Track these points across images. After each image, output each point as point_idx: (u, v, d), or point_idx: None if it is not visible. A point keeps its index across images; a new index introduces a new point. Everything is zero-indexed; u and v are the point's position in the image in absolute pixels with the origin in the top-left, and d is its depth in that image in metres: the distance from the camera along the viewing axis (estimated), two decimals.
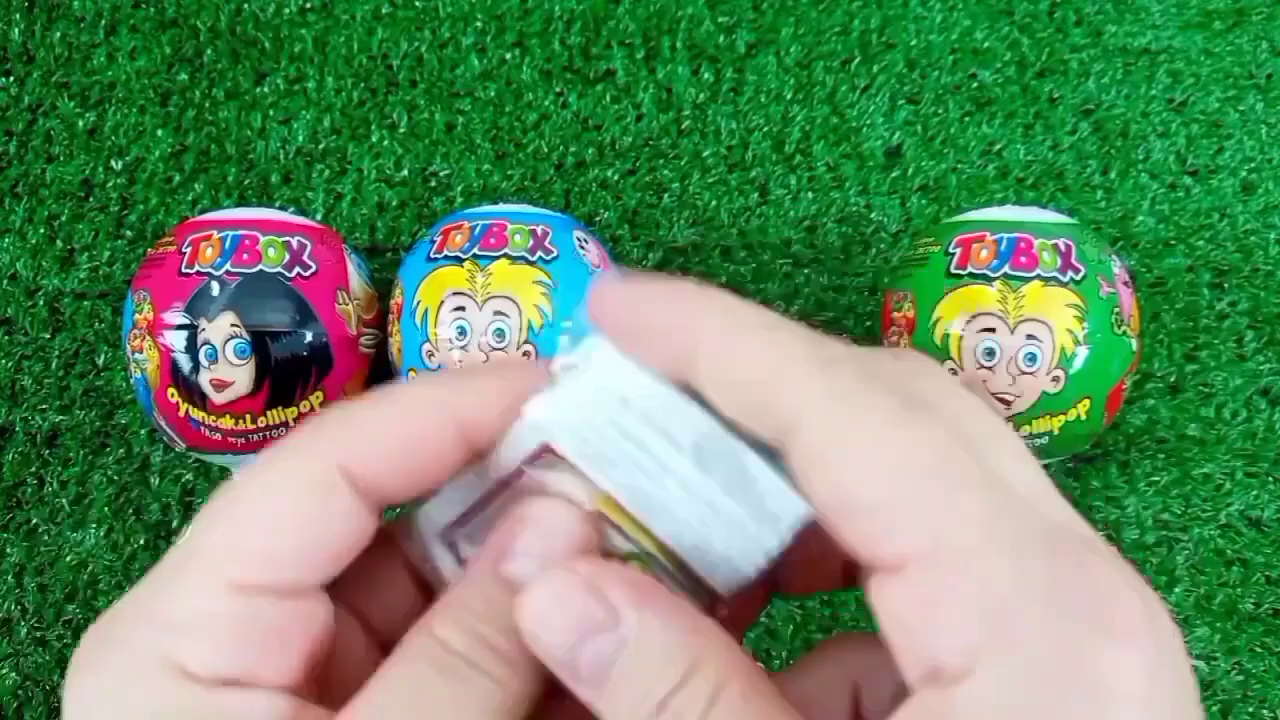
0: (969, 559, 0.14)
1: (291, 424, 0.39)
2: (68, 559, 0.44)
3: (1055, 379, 0.37)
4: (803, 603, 0.44)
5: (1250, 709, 0.43)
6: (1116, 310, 0.38)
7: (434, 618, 0.17)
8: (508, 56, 0.50)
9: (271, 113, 0.49)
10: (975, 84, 0.50)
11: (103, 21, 0.50)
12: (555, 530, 0.18)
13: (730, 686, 0.16)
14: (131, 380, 0.40)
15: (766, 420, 0.17)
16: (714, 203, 0.48)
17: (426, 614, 0.18)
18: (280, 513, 0.17)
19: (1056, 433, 0.38)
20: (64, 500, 0.44)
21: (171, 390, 0.38)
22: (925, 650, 0.15)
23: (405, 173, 0.48)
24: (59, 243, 0.47)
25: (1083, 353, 0.37)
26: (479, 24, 0.51)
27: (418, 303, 0.38)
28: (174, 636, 0.16)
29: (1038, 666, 0.14)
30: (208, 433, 0.38)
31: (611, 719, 0.17)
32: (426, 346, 0.38)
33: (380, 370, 0.42)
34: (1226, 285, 0.47)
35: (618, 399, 0.19)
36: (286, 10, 0.51)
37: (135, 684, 0.16)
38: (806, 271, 0.47)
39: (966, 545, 0.14)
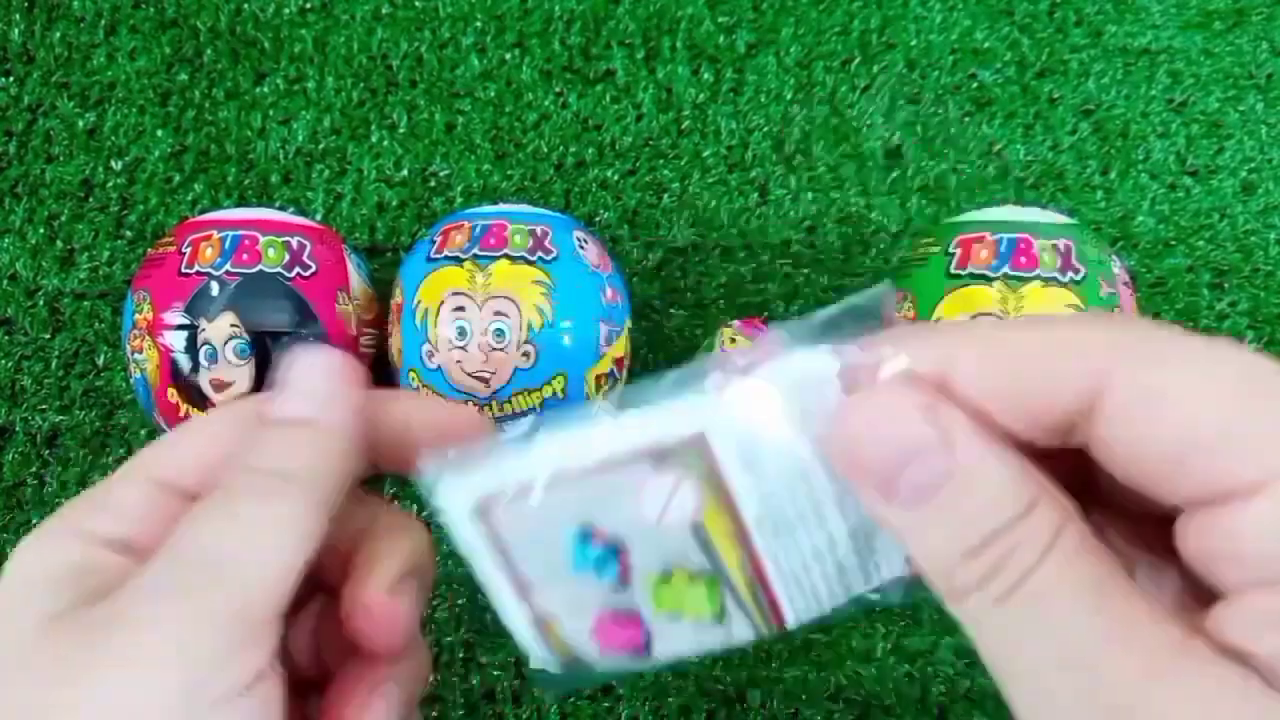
0: None
1: None
2: None
3: None
4: None
5: None
6: (1116, 310, 0.38)
7: (227, 474, 0.20)
8: (508, 56, 0.50)
9: (271, 113, 0.49)
10: (975, 84, 0.50)
11: (103, 21, 0.50)
12: (317, 366, 0.21)
13: (1069, 530, 0.15)
14: (131, 380, 0.40)
15: (1061, 394, 0.16)
16: (714, 203, 0.48)
17: None
18: (205, 435, 0.21)
19: None
20: (64, 500, 0.44)
21: (171, 390, 0.38)
22: None
23: (405, 173, 0.48)
24: (59, 243, 0.47)
25: None
26: (479, 24, 0.51)
27: (418, 303, 0.38)
28: (92, 511, 0.20)
29: None
30: None
31: (921, 543, 0.16)
32: (426, 346, 0.38)
33: (380, 370, 0.42)
34: (1226, 285, 0.47)
35: (781, 426, 0.18)
36: (286, 10, 0.51)
37: (49, 545, 0.19)
38: (806, 271, 0.47)
39: None
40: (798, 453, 0.17)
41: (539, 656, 0.20)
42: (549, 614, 0.19)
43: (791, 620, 0.19)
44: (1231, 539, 0.15)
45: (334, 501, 0.20)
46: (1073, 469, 0.17)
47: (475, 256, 0.38)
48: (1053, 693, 0.15)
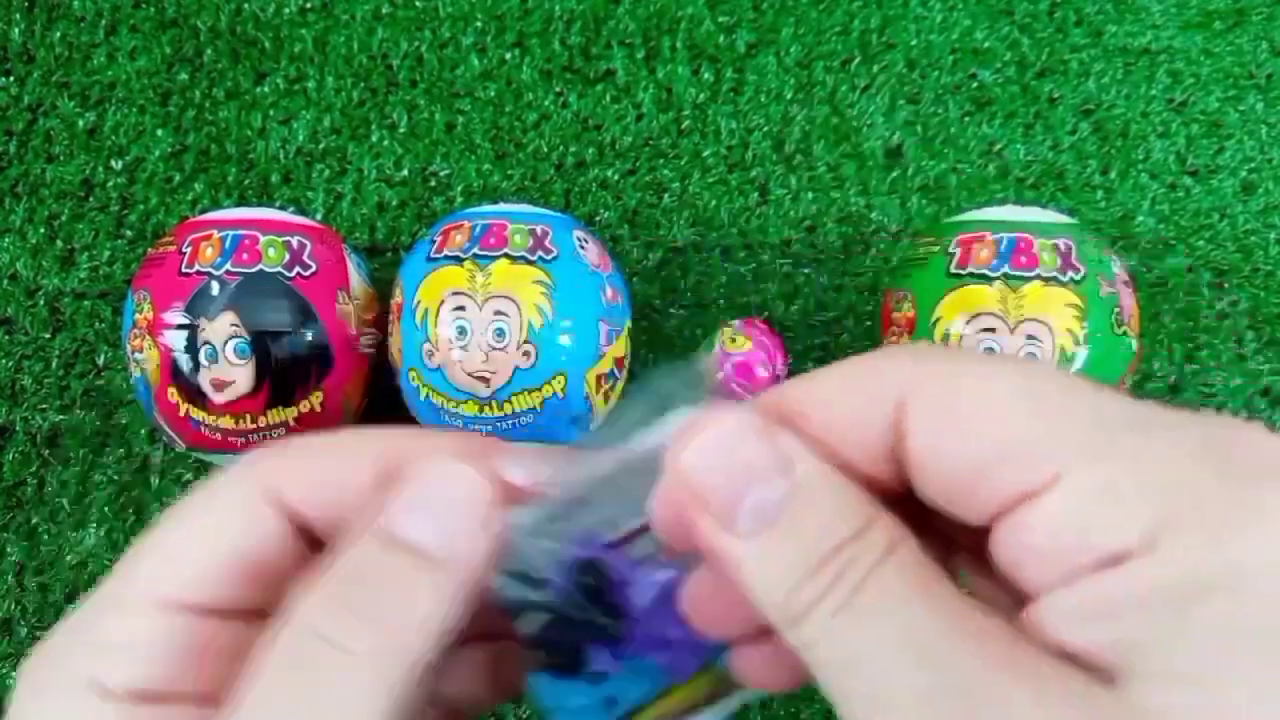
0: (1130, 453, 0.15)
1: (291, 424, 0.39)
2: (68, 559, 0.44)
3: None
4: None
5: None
6: (1116, 310, 0.38)
7: (303, 597, 0.17)
8: (508, 56, 0.50)
9: (271, 113, 0.49)
10: (975, 84, 0.50)
11: (103, 21, 0.50)
12: (458, 493, 0.17)
13: (903, 546, 0.15)
14: (131, 380, 0.40)
15: (872, 421, 0.16)
16: (714, 203, 0.48)
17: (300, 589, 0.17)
18: (206, 532, 0.18)
19: None
20: (64, 500, 0.44)
21: (171, 390, 0.38)
22: (1096, 543, 0.14)
23: (405, 173, 0.48)
24: (59, 243, 0.47)
25: (1083, 353, 0.37)
26: (479, 24, 0.51)
27: (418, 303, 0.38)
28: (98, 656, 0.17)
29: (1221, 525, 0.14)
30: (208, 433, 0.38)
31: (760, 572, 0.16)
32: (426, 346, 0.38)
33: (380, 370, 0.42)
34: (1226, 285, 0.47)
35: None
36: (286, 10, 0.51)
37: (60, 705, 0.16)
38: (806, 271, 0.47)
39: (1125, 445, 0.15)
40: None
41: None
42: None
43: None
44: (1026, 539, 0.15)
45: (435, 653, 0.17)
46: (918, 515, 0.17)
47: (475, 256, 0.38)
48: (893, 694, 0.15)
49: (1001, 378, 0.16)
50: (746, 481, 0.16)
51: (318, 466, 0.18)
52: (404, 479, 0.17)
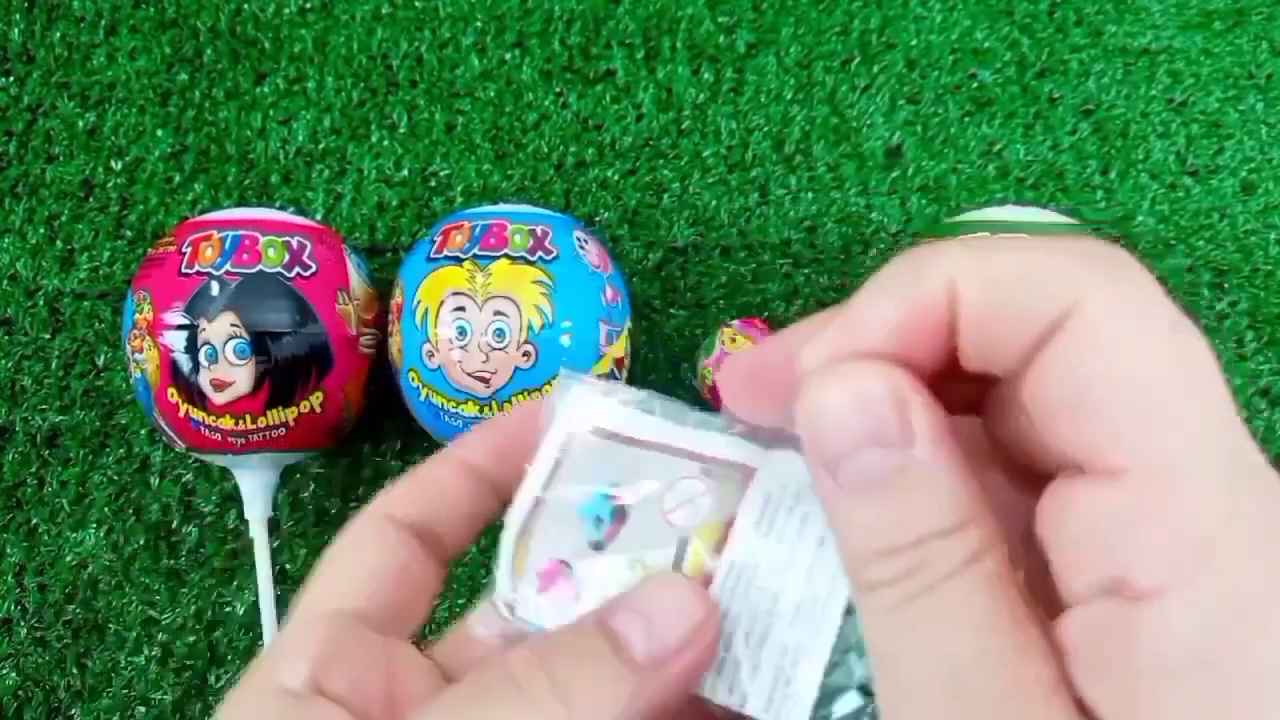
0: (1189, 482, 0.14)
1: (291, 424, 0.39)
2: (68, 559, 0.44)
3: None
4: None
5: None
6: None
7: (514, 649, 0.18)
8: (508, 56, 0.50)
9: (271, 113, 0.49)
10: (975, 84, 0.50)
11: (103, 21, 0.50)
12: (670, 611, 0.18)
13: (990, 557, 0.15)
14: (131, 380, 0.40)
15: (1037, 305, 0.15)
16: (714, 203, 0.48)
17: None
18: (351, 554, 0.22)
19: None
20: (64, 500, 0.44)
21: (171, 390, 0.38)
22: (1114, 562, 0.14)
23: (405, 173, 0.48)
24: (59, 243, 0.47)
25: None
26: (479, 24, 0.51)
27: (418, 303, 0.38)
28: (278, 660, 0.20)
29: (1237, 601, 0.13)
30: (208, 433, 0.38)
31: (846, 526, 0.16)
32: (426, 346, 0.38)
33: (380, 370, 0.42)
34: (1226, 285, 0.47)
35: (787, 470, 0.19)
36: (286, 10, 0.51)
37: (248, 704, 0.20)
38: (806, 271, 0.47)
39: (1192, 468, 0.14)
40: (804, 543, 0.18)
41: (501, 580, 0.20)
42: (535, 531, 0.20)
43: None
44: (1073, 519, 0.14)
45: None
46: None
47: (475, 256, 0.38)
48: (920, 703, 0.15)
49: (1161, 335, 0.14)
50: (867, 440, 0.15)
51: (421, 488, 0.22)
52: (643, 585, 0.19)
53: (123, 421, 0.45)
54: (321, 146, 0.49)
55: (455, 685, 0.18)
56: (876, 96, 0.50)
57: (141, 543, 0.44)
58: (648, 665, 0.17)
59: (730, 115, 0.49)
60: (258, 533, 0.41)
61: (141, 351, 0.38)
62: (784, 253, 0.48)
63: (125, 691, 0.43)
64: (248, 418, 0.38)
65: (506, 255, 0.38)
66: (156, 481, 0.45)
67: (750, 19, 0.51)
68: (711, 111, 0.50)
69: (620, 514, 0.19)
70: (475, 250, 0.38)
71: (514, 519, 0.20)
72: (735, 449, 0.19)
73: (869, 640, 0.16)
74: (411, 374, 0.39)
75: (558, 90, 0.50)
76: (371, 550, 0.21)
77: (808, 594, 0.18)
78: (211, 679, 0.43)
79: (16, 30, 0.50)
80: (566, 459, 0.20)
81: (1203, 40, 0.51)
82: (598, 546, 0.19)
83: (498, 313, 0.37)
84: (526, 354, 0.37)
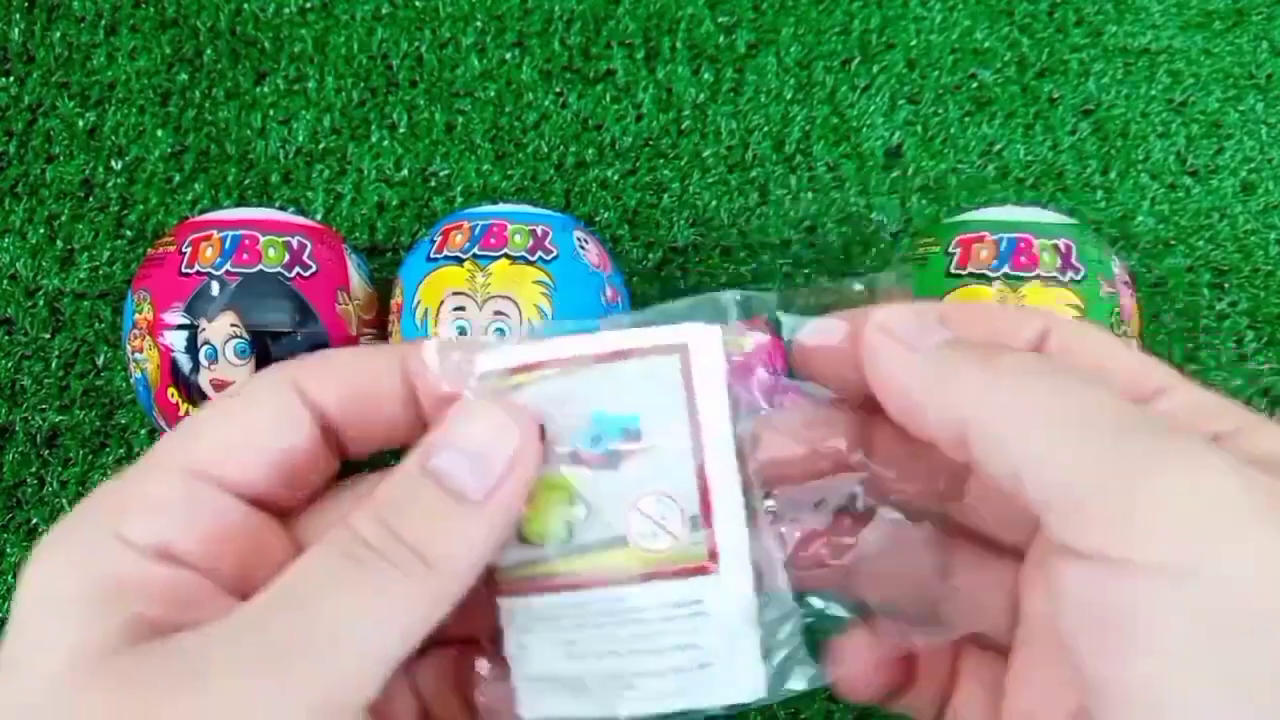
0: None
1: None
2: None
3: None
4: None
5: None
6: (1116, 310, 0.38)
7: (352, 512, 0.18)
8: (508, 56, 0.50)
9: (271, 113, 0.49)
10: (975, 84, 0.50)
11: (103, 21, 0.50)
12: (489, 441, 0.18)
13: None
14: (131, 380, 0.40)
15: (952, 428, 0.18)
16: (714, 203, 0.48)
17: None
18: (239, 418, 0.19)
19: None
20: (64, 500, 0.44)
21: (171, 390, 0.38)
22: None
23: (405, 173, 0.48)
24: (59, 243, 0.47)
25: None
26: (479, 24, 0.51)
27: (418, 303, 0.38)
28: (122, 513, 0.17)
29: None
30: None
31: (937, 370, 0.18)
32: None
33: None
34: (1226, 285, 0.47)
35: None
36: (286, 10, 0.51)
37: (80, 555, 0.17)
38: (806, 271, 0.47)
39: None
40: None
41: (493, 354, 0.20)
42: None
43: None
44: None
45: (464, 592, 0.18)
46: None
47: (475, 256, 0.38)
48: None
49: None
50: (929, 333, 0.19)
51: (348, 373, 0.19)
52: (449, 416, 0.18)
53: (123, 421, 0.45)
54: (321, 146, 0.49)
55: (313, 558, 0.17)
56: (876, 96, 0.50)
57: None
58: (485, 498, 0.18)
59: (730, 115, 0.49)
60: None
61: (141, 351, 0.38)
62: (784, 253, 0.48)
63: None
64: None
65: (507, 255, 0.38)
66: None
67: (750, 19, 0.51)
68: (711, 111, 0.50)
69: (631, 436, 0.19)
70: (475, 250, 0.38)
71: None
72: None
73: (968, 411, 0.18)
74: None
75: (558, 90, 0.50)
76: (267, 421, 0.19)
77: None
78: None
79: (16, 30, 0.50)
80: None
81: (1203, 40, 0.51)
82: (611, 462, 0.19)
83: (498, 312, 0.37)
84: None
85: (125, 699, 0.15)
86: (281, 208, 0.46)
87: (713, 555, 0.19)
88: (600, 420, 0.19)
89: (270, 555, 0.18)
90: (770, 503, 0.20)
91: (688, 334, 0.20)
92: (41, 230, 0.47)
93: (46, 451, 0.45)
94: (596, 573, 0.19)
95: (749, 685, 0.19)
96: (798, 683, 0.20)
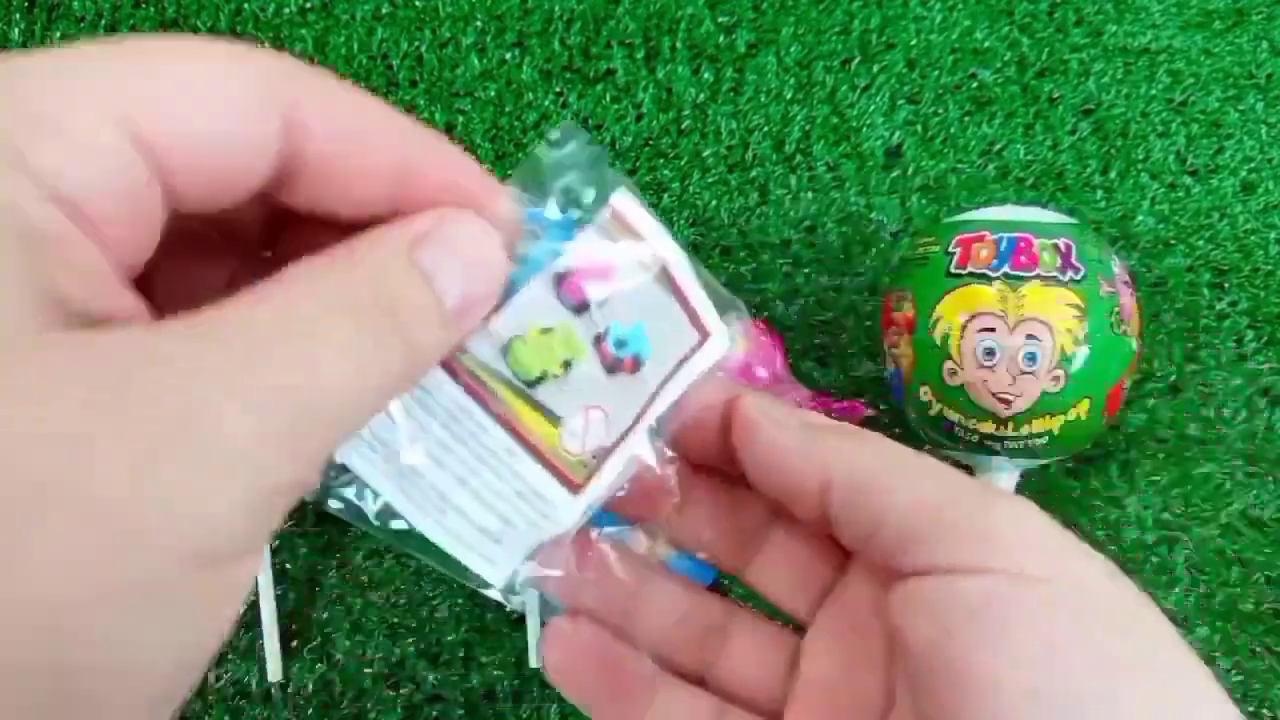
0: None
1: None
2: None
3: (1055, 379, 0.37)
4: None
5: (1250, 709, 0.43)
6: (1116, 310, 0.38)
7: (337, 265, 0.16)
8: (508, 56, 0.50)
9: None
10: (975, 84, 0.50)
11: (103, 21, 0.50)
12: (483, 262, 0.18)
13: None
14: None
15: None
16: (714, 203, 0.48)
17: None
18: (211, 86, 0.15)
19: (1056, 433, 0.38)
20: None
21: None
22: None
23: None
24: None
25: (1082, 352, 0.37)
26: (479, 24, 0.51)
27: None
28: (37, 146, 0.13)
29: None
30: None
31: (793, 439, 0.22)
32: None
33: None
34: (1226, 285, 0.47)
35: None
36: (286, 10, 0.51)
37: None
38: (806, 271, 0.47)
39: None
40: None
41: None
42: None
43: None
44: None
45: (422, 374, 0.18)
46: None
47: None
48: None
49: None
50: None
51: (201, 113, 0.15)
52: (439, 219, 0.17)
53: None
54: None
55: (300, 295, 0.15)
56: (876, 96, 0.50)
57: None
58: (455, 318, 0.17)
59: (730, 115, 0.49)
60: None
61: None
62: (784, 253, 0.48)
63: None
64: None
65: None
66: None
67: (750, 19, 0.51)
68: (711, 111, 0.50)
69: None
70: None
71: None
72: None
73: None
74: None
75: (558, 90, 0.50)
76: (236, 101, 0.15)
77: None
78: (210, 678, 0.43)
79: (16, 30, 0.50)
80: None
81: (1203, 40, 0.51)
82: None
83: None
84: None
85: (95, 371, 0.12)
86: None
87: (585, 484, 0.21)
88: (637, 331, 0.21)
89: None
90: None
91: (727, 334, 0.22)
92: None
93: None
94: (520, 422, 0.20)
95: (498, 577, 0.21)
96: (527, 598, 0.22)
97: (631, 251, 0.20)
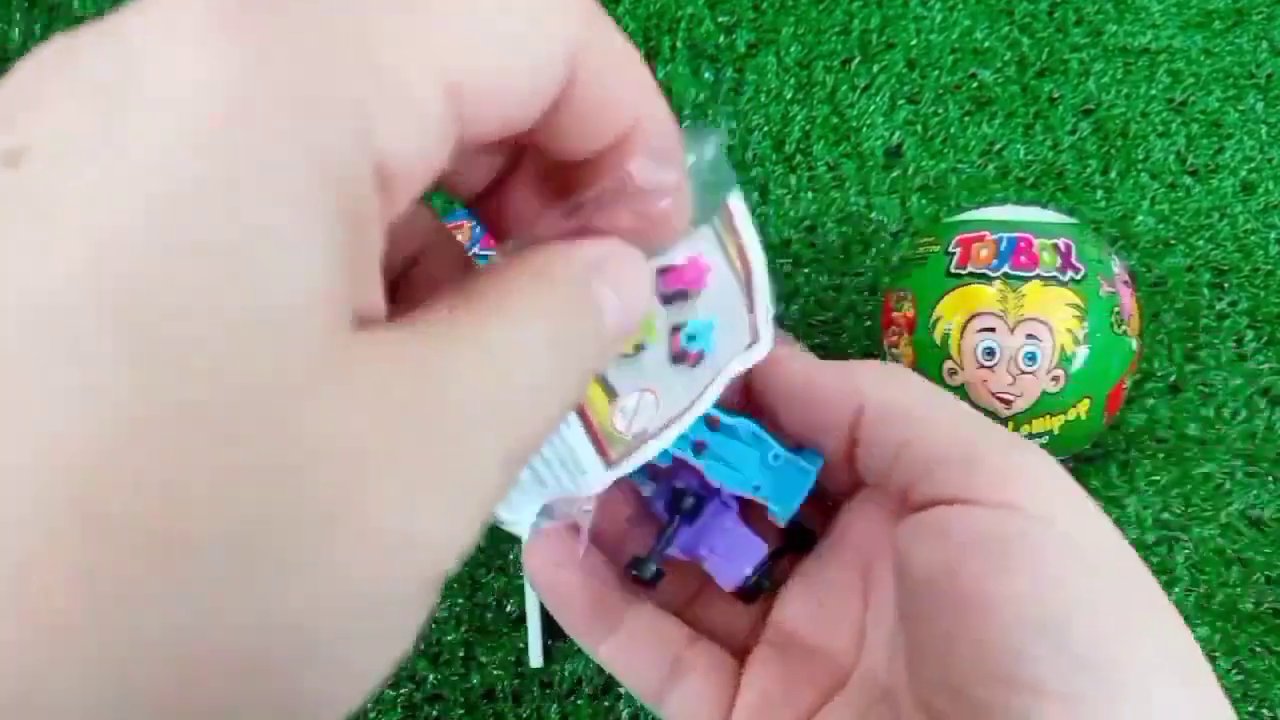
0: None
1: None
2: None
3: (1055, 378, 0.37)
4: None
5: (1250, 709, 0.43)
6: (1116, 310, 0.38)
7: (558, 261, 0.15)
8: None
9: None
10: (975, 84, 0.50)
11: None
12: (642, 292, 0.17)
13: None
14: None
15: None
16: None
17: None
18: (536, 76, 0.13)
19: (1056, 432, 0.38)
20: None
21: None
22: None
23: None
24: None
25: (1082, 352, 0.37)
26: None
27: None
28: (371, 113, 0.11)
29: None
30: None
31: None
32: None
33: None
34: (1226, 285, 0.47)
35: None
36: None
37: (321, 159, 0.11)
38: (806, 271, 0.47)
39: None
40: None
41: None
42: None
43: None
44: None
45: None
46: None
47: (476, 256, 0.38)
48: None
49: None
50: None
51: (508, 64, 0.13)
52: (613, 252, 0.16)
53: None
54: None
55: (536, 295, 0.14)
56: (876, 96, 0.50)
57: None
58: (610, 338, 0.16)
59: (730, 115, 0.49)
60: None
61: None
62: (784, 252, 0.48)
63: None
64: None
65: None
66: None
67: (750, 19, 0.51)
68: (711, 111, 0.50)
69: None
70: (476, 250, 0.38)
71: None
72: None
73: None
74: None
75: None
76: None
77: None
78: None
79: (17, 30, 0.50)
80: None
81: (1203, 40, 0.51)
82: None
83: None
84: None
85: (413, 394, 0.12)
86: None
87: (619, 460, 0.22)
88: (707, 326, 0.21)
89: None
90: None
91: (772, 340, 0.23)
92: None
93: None
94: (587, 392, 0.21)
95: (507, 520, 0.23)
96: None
97: (730, 253, 0.21)
